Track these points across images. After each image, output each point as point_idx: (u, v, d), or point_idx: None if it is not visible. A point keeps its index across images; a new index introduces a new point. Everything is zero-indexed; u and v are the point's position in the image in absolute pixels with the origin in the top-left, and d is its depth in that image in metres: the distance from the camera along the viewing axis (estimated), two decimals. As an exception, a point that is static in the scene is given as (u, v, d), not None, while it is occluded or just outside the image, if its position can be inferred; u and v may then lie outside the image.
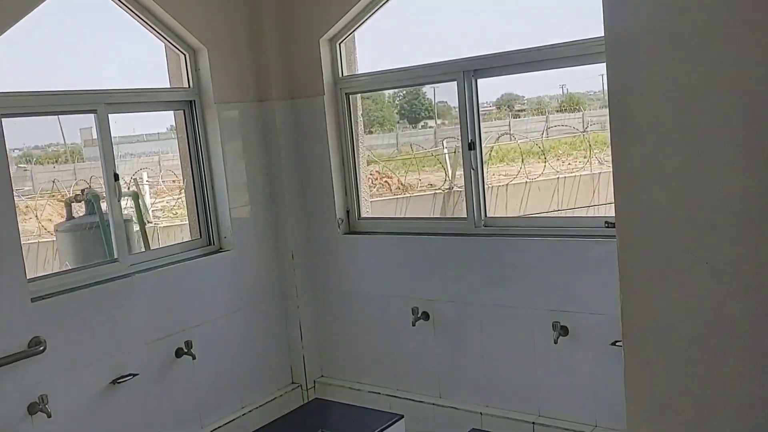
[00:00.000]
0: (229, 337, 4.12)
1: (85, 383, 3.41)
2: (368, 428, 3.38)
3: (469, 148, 3.86)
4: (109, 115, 3.67)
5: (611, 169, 1.61)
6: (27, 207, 8.50)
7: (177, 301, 3.86)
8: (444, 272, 3.94)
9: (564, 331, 3.57)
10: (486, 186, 3.93)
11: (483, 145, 3.96)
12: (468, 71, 3.80)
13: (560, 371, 3.64)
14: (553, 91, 15.48)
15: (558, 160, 9.84)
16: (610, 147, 1.59)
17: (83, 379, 3.41)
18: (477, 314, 3.86)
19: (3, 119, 3.18)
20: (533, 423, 3.71)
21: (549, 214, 7.75)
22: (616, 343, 3.40)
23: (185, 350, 3.85)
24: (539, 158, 9.20)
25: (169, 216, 8.38)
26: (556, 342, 3.55)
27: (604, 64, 1.54)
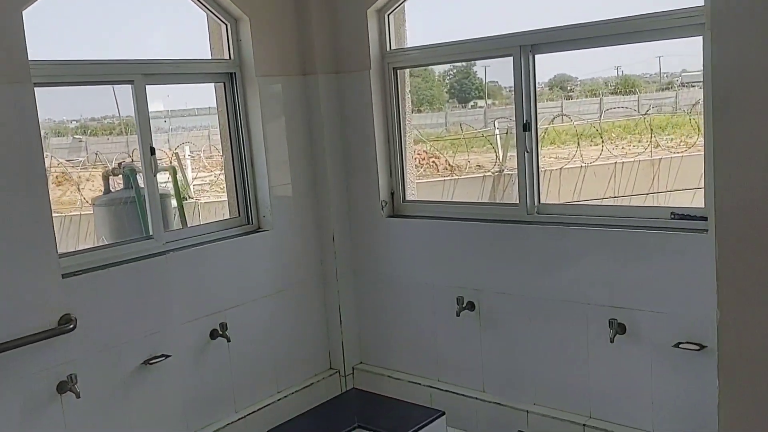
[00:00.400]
0: (265, 320, 3.98)
1: (115, 363, 3.30)
2: (408, 424, 3.18)
3: (524, 129, 3.59)
4: (152, 86, 3.53)
5: (703, 154, 1.37)
6: (80, 177, 8.53)
7: (213, 281, 3.72)
8: (492, 261, 3.71)
9: (621, 329, 3.31)
10: (540, 170, 3.67)
11: (538, 127, 3.69)
12: (525, 46, 3.53)
13: (616, 372, 3.38)
14: (607, 72, 14.93)
15: (612, 143, 9.39)
16: (703, 132, 1.35)
17: (114, 359, 3.30)
18: (526, 307, 3.63)
19: (37, 89, 3.05)
20: (584, 425, 3.47)
21: (605, 201, 7.38)
22: (680, 345, 3.14)
23: (220, 332, 3.72)
24: (593, 142, 8.78)
25: (213, 191, 8.29)
26: (612, 340, 3.29)
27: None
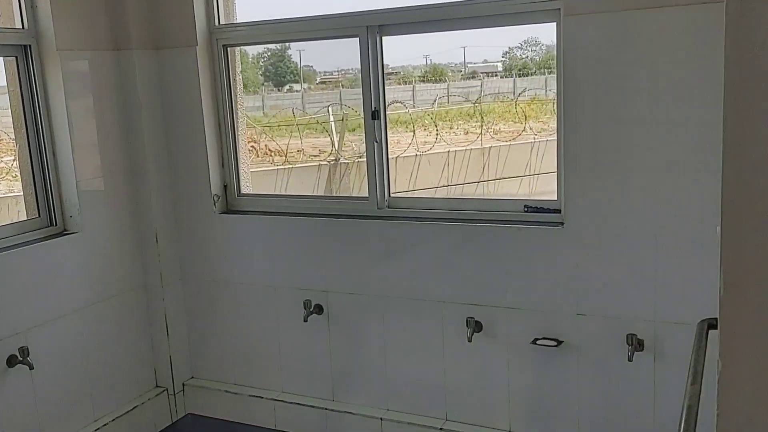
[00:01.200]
0: (76, 338, 3.38)
1: None
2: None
3: (373, 117, 3.33)
4: None
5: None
6: None
7: (8, 298, 3.07)
8: (341, 259, 3.42)
9: (478, 327, 3.18)
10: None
11: (386, 114, 3.43)
12: (372, 27, 3.25)
13: (473, 371, 3.25)
14: (416, 61, 15.32)
15: (448, 132, 9.49)
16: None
17: None
18: (379, 307, 3.38)
19: None
20: (440, 429, 3.31)
21: (439, 191, 7.39)
22: (537, 342, 3.06)
23: (20, 358, 3.09)
24: (428, 130, 8.78)
25: (4, 181, 7.19)
26: (470, 339, 3.14)
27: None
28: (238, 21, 3.69)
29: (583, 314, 2.98)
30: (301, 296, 3.50)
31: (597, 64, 2.76)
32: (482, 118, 8.71)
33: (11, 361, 3.07)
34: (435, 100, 9.86)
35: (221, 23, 3.62)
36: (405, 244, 3.29)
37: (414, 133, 7.87)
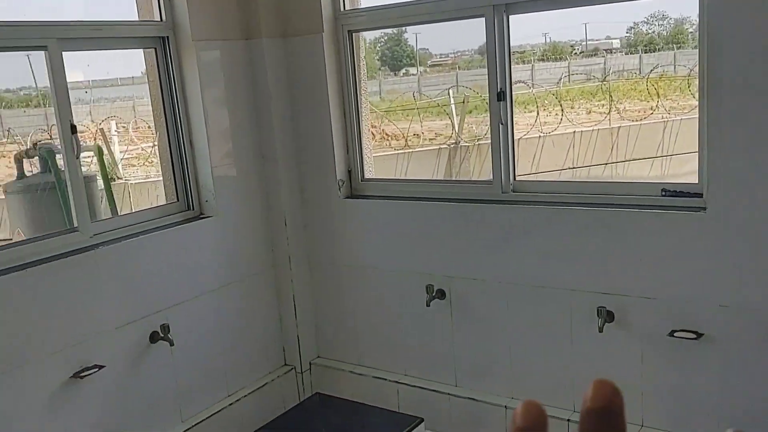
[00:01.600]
0: (211, 317, 3.54)
1: (39, 381, 2.82)
2: (382, 435, 2.84)
3: (498, 99, 3.24)
4: (68, 53, 3.00)
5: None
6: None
7: (150, 278, 3.26)
8: (464, 244, 3.37)
9: (610, 317, 3.04)
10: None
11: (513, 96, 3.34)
12: (499, 5, 3.16)
13: (603, 363, 3.12)
14: (535, 39, 14.88)
15: (572, 111, 9.12)
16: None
17: (37, 376, 2.81)
18: (503, 294, 3.31)
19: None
20: (568, 420, 3.21)
21: (563, 174, 7.12)
22: (674, 334, 2.89)
23: (161, 335, 3.28)
24: (551, 110, 8.48)
25: (143, 168, 7.66)
26: (601, 330, 3.02)
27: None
28: (362, 6, 3.70)
29: (725, 305, 2.78)
30: (423, 281, 3.49)
31: (744, 33, 2.54)
32: (610, 96, 8.28)
33: (153, 338, 3.26)
34: (560, 79, 9.49)
35: (346, 9, 3.64)
36: (531, 229, 3.19)
37: (538, 114, 7.61)
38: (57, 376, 2.88)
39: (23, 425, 2.77)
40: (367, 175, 3.80)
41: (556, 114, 8.53)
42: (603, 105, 9.14)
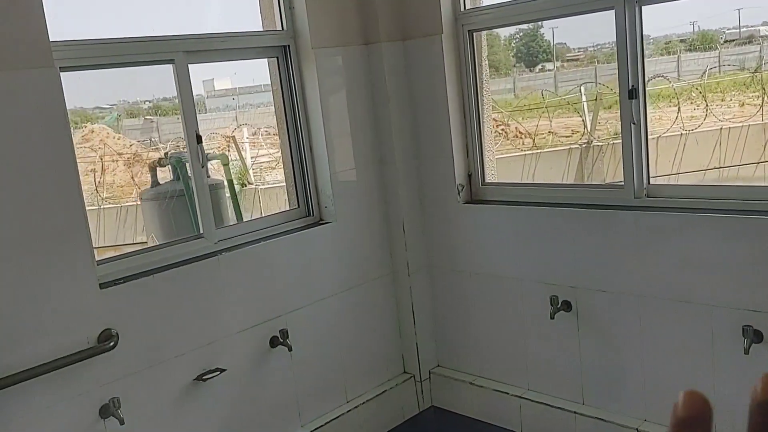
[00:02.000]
0: (330, 323, 3.55)
1: (163, 382, 2.93)
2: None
3: (630, 97, 3.00)
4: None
5: None
6: (148, 159, 8.28)
7: (271, 283, 3.30)
8: (592, 254, 3.16)
9: (757, 336, 2.73)
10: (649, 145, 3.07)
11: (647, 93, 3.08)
12: (630, -4, 2.92)
13: (750, 388, 2.80)
14: (680, 29, 13.90)
15: (717, 106, 8.40)
16: None
17: (162, 376, 2.92)
18: (634, 308, 3.07)
19: (63, 73, 2.67)
20: (709, 449, 2.91)
21: (709, 174, 6.56)
22: (837, 359, 2.53)
23: (281, 339, 3.31)
24: (695, 105, 7.84)
25: (274, 174, 7.91)
26: (747, 352, 2.71)
27: None
28: (483, 5, 3.57)
29: None
30: (547, 291, 3.30)
31: None
32: (763, 89, 7.49)
33: (273, 342, 3.31)
34: (705, 71, 8.74)
35: (467, 8, 3.52)
36: (666, 238, 2.93)
37: (679, 109, 7.04)
38: (182, 378, 2.98)
39: (150, 424, 2.89)
40: (489, 179, 3.66)
41: (703, 109, 7.88)
42: (757, 98, 8.36)
